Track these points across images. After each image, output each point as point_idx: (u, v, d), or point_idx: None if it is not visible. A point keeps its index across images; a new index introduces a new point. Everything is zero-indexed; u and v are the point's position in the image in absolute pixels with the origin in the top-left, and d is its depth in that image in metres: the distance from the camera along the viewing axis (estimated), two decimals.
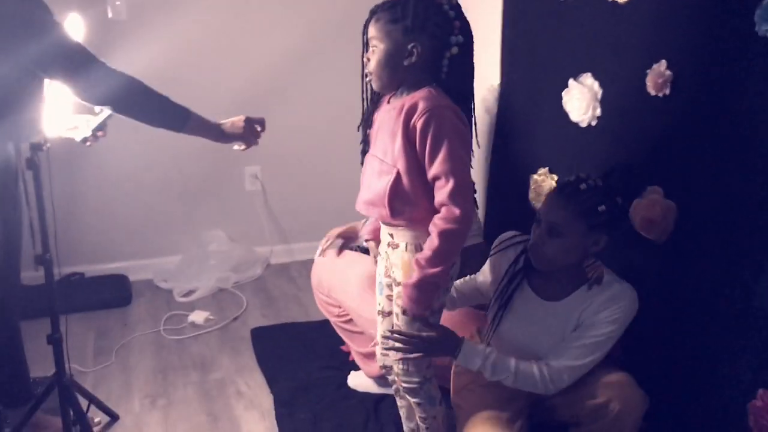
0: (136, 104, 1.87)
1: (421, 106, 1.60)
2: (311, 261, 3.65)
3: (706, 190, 1.79)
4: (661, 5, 1.86)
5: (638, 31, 1.94)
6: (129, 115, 1.88)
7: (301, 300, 3.25)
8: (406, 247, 1.76)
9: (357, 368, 2.58)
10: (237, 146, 2.10)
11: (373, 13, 1.65)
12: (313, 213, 3.66)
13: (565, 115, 2.24)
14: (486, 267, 2.02)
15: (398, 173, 1.67)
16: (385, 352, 1.89)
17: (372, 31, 1.64)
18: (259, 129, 2.09)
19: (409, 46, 1.60)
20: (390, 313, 1.85)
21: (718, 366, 1.77)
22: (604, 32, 2.07)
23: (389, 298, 1.85)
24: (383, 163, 1.70)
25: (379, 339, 1.92)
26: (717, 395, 1.78)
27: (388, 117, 1.70)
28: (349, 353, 2.72)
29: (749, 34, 1.59)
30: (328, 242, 2.54)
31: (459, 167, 1.61)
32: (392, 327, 1.82)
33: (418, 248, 1.70)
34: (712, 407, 1.80)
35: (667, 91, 1.85)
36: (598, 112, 2.13)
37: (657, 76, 1.85)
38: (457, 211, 1.60)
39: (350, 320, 2.44)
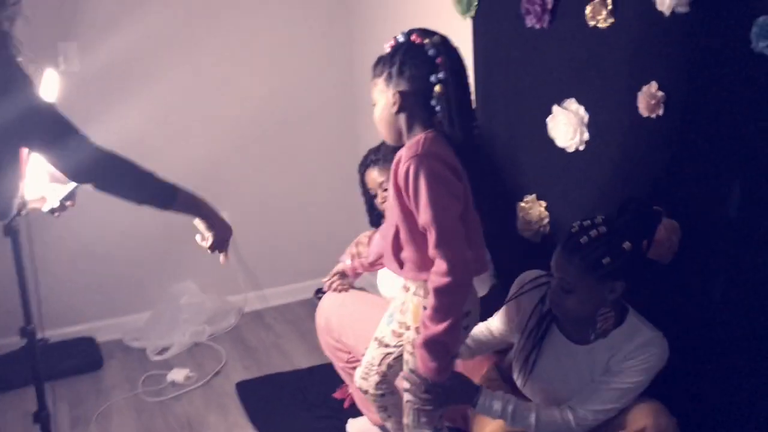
0: (118, 181, 1.72)
1: (403, 156, 1.60)
2: (286, 306, 3.58)
3: (707, 208, 1.80)
4: (644, 28, 1.87)
5: (622, 54, 1.95)
6: (111, 193, 1.72)
7: (282, 347, 3.14)
8: (415, 290, 1.74)
9: (353, 415, 2.50)
10: (203, 241, 1.92)
11: (372, 71, 1.68)
12: (284, 256, 3.58)
13: (551, 140, 2.24)
14: (504, 311, 1.97)
15: (397, 226, 1.67)
16: (365, 375, 1.89)
17: (372, 89, 1.68)
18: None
19: (391, 95, 1.62)
20: (387, 345, 1.84)
21: (743, 383, 1.77)
22: (586, 58, 2.07)
23: (395, 334, 1.82)
24: (390, 218, 1.73)
25: (364, 362, 1.89)
26: (745, 414, 1.78)
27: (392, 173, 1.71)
28: (343, 399, 2.63)
29: (745, 51, 1.61)
30: (332, 280, 2.43)
31: (440, 215, 1.57)
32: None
33: (427, 292, 1.66)
34: (740, 425, 1.79)
35: (661, 112, 1.86)
36: (586, 136, 2.13)
37: (649, 98, 1.86)
38: (443, 264, 1.56)
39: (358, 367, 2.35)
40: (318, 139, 3.56)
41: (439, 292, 1.58)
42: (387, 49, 1.65)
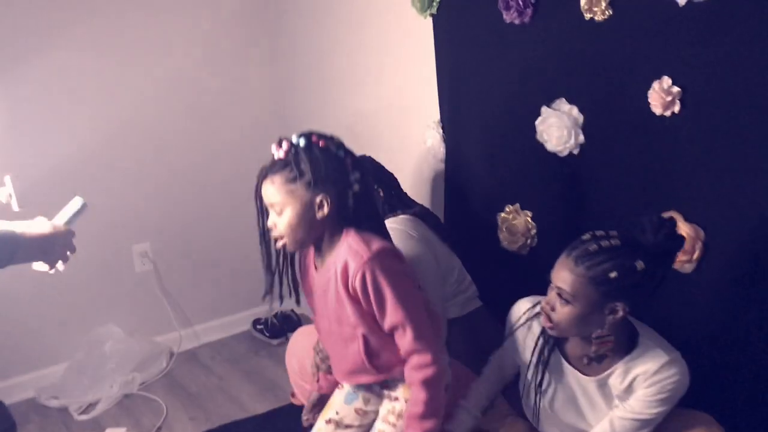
0: None
1: (351, 267, 1.56)
2: (221, 342, 3.23)
3: (731, 210, 1.69)
4: (652, 19, 1.73)
5: (624, 48, 1.80)
6: None
7: (228, 391, 2.80)
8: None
9: None
10: (40, 267, 1.67)
11: (264, 175, 1.59)
12: (214, 287, 3.24)
13: (539, 145, 2.06)
14: (509, 348, 1.79)
15: (364, 335, 1.63)
16: None
17: (270, 194, 1.59)
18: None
19: (318, 200, 1.57)
20: (348, 426, 1.78)
21: None
22: (580, 54, 1.91)
23: (359, 412, 1.79)
24: (342, 329, 1.65)
25: None
26: None
27: (324, 281, 1.64)
28: None
29: None
30: (311, 415, 2.09)
31: (412, 311, 1.58)
32: None
33: None
34: None
35: (677, 109, 1.72)
36: (581, 139, 1.97)
37: (663, 94, 1.72)
38: (427, 356, 1.58)
39: None
40: (245, 162, 3.23)
41: (428, 384, 1.60)
42: (279, 152, 1.58)
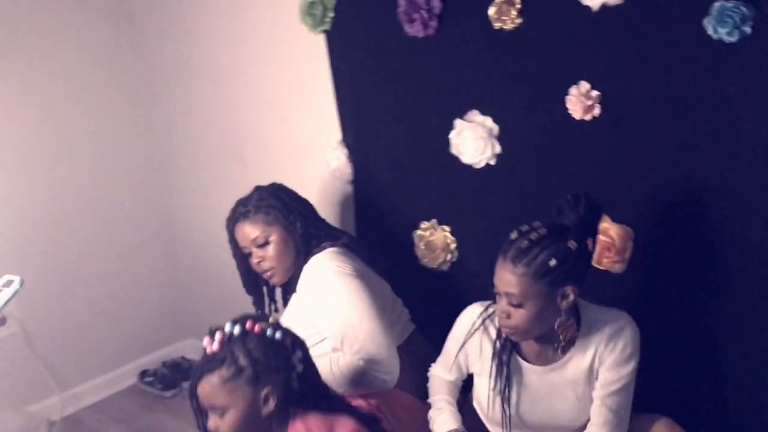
0: None
1: None
2: (107, 401, 2.91)
3: (657, 207, 1.74)
4: (564, 26, 1.75)
5: (538, 56, 1.82)
6: None
7: None
8: None
9: None
10: None
11: (199, 377, 1.42)
12: (92, 342, 2.90)
13: (453, 158, 2.03)
14: (462, 356, 1.73)
15: None
16: None
17: (208, 396, 1.42)
18: None
19: (263, 394, 1.43)
20: None
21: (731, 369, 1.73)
22: (490, 63, 1.90)
23: None
24: None
25: None
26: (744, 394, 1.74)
27: None
28: None
29: (696, 40, 1.56)
30: None
31: None
32: None
33: None
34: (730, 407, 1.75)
35: (597, 113, 1.74)
36: (498, 149, 1.95)
37: (582, 98, 1.74)
38: None
39: None
40: (121, 207, 2.96)
41: None
42: (211, 345, 1.43)
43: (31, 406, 2.70)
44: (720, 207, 1.67)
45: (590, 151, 1.80)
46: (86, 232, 2.84)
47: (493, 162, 1.97)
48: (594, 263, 1.81)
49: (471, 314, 1.73)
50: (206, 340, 1.44)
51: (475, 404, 1.77)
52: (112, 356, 2.99)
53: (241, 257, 2.03)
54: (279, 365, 1.44)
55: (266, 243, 1.93)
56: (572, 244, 1.52)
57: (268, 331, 1.45)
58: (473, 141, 1.97)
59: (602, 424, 1.58)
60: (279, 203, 1.95)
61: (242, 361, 1.41)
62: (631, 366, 1.60)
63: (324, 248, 1.91)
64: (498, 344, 1.65)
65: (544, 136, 1.87)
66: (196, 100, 2.77)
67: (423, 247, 2.18)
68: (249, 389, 1.41)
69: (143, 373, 3.00)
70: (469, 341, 1.70)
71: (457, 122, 1.99)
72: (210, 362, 1.42)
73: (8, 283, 1.45)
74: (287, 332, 1.49)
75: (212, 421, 1.44)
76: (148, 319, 3.07)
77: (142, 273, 3.06)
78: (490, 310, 1.69)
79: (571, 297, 1.54)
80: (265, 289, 2.12)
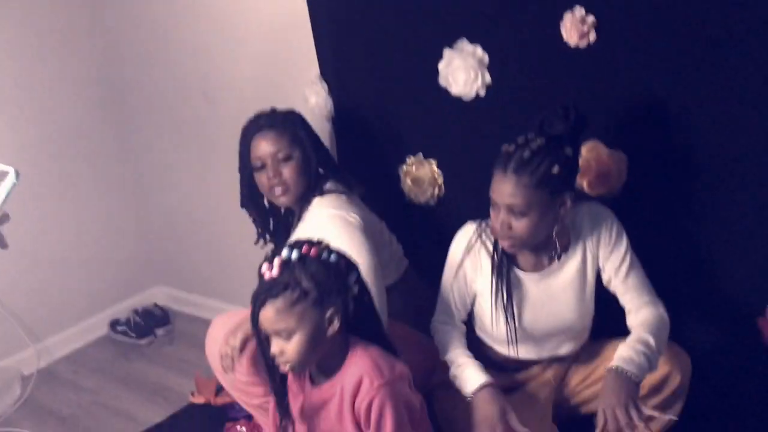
0: None
1: (362, 390, 1.45)
2: (79, 352, 2.84)
3: (653, 135, 1.75)
4: None
5: None
6: None
7: (109, 405, 2.48)
8: None
9: None
10: None
11: (262, 302, 1.43)
12: (62, 293, 2.82)
13: (441, 90, 1.99)
14: (461, 278, 1.74)
15: None
16: None
17: (274, 321, 1.43)
18: None
19: (327, 316, 1.45)
20: None
21: (722, 282, 1.79)
22: None
23: None
24: None
25: None
26: (726, 316, 1.80)
27: (323, 399, 1.52)
28: None
29: None
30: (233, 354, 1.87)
31: None
32: None
33: None
34: (724, 328, 1.81)
35: (592, 38, 1.72)
36: (488, 79, 1.92)
37: (577, 24, 1.72)
38: None
39: None
40: (86, 155, 2.82)
41: None
42: (271, 272, 1.43)
43: (2, 361, 2.62)
44: (714, 132, 1.68)
45: (584, 80, 1.78)
46: (51, 182, 2.72)
47: (482, 93, 1.94)
48: (588, 189, 1.83)
49: (467, 232, 1.73)
50: (265, 266, 1.44)
51: (478, 331, 1.78)
52: (83, 307, 2.92)
53: (249, 170, 1.94)
54: (339, 287, 1.46)
55: (288, 159, 1.86)
56: (568, 150, 1.57)
57: (324, 254, 1.46)
58: (463, 71, 1.92)
59: (640, 306, 1.65)
60: (306, 129, 1.90)
61: (305, 284, 1.42)
62: (625, 241, 1.67)
63: (335, 192, 1.87)
64: (496, 257, 1.68)
65: (537, 65, 1.84)
66: (158, 36, 2.64)
67: (409, 182, 2.15)
68: (315, 311, 1.43)
69: (114, 323, 2.93)
70: (468, 259, 1.71)
71: (446, 52, 1.94)
72: (272, 288, 1.42)
73: (2, 176, 1.31)
74: (341, 255, 1.50)
75: (276, 345, 1.45)
76: (117, 268, 2.99)
77: (109, 221, 2.96)
78: (484, 225, 1.71)
79: (569, 204, 1.59)
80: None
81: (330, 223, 1.80)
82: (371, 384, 1.44)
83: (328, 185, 1.90)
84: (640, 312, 1.66)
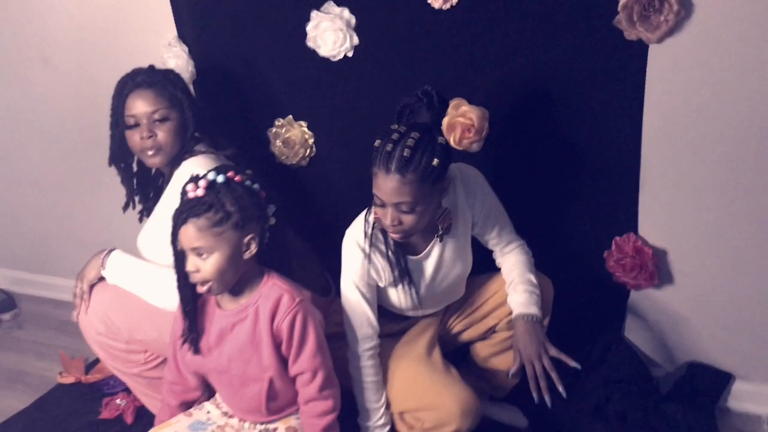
0: None
1: (281, 309, 1.55)
2: None
3: (511, 88, 1.92)
4: None
5: None
6: None
7: None
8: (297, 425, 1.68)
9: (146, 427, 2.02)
10: None
11: (185, 219, 1.48)
12: None
13: (309, 52, 2.03)
14: (370, 284, 1.76)
15: (270, 378, 1.60)
16: None
17: (194, 238, 1.48)
18: None
19: (246, 240, 1.52)
20: None
21: (573, 222, 2.01)
22: None
23: None
24: (248, 369, 1.60)
25: None
26: (576, 248, 2.03)
27: (232, 322, 1.59)
28: (117, 417, 2.10)
29: None
30: (83, 295, 1.83)
31: (325, 359, 1.61)
32: None
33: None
34: (575, 260, 2.03)
35: (454, 2, 1.84)
36: (356, 40, 1.99)
37: None
38: (330, 403, 1.61)
39: (159, 365, 1.87)
40: None
41: (329, 429, 1.61)
42: (196, 191, 1.48)
43: None
44: (564, 88, 1.88)
45: (448, 39, 1.90)
46: None
47: (350, 54, 2.01)
48: (453, 144, 1.96)
49: (358, 239, 1.73)
50: (190, 186, 1.48)
51: (385, 305, 1.85)
52: None
53: (121, 128, 1.87)
54: (259, 214, 1.53)
55: (164, 120, 1.81)
56: (441, 139, 1.61)
57: (248, 182, 1.52)
58: (332, 33, 1.98)
59: (510, 249, 1.85)
60: (185, 90, 1.85)
61: (229, 206, 1.47)
62: (492, 196, 1.82)
63: (204, 153, 1.84)
64: (390, 255, 1.73)
65: (403, 27, 1.93)
66: None
67: (280, 144, 2.18)
68: (235, 234, 1.49)
69: None
70: (371, 267, 1.73)
71: (314, 14, 1.98)
72: (196, 206, 1.46)
73: None
74: (263, 185, 1.55)
75: (192, 263, 1.49)
76: None
77: None
78: (371, 222, 1.73)
79: (448, 186, 1.67)
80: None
81: None
82: (292, 301, 1.54)
83: (198, 146, 1.88)
84: (511, 254, 1.85)
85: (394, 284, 1.77)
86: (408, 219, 1.61)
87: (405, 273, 1.75)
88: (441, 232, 1.75)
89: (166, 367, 1.75)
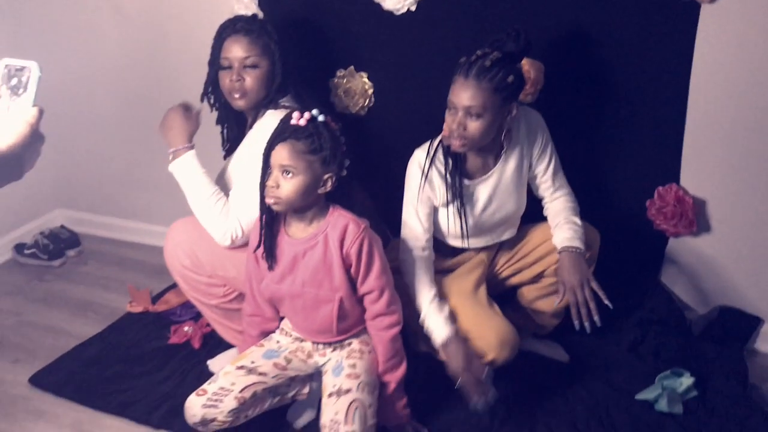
0: None
1: (349, 235, 1.70)
2: None
3: (568, 44, 2.04)
4: None
5: None
6: None
7: (37, 323, 2.47)
8: (359, 345, 1.83)
9: (209, 355, 2.20)
10: None
11: (285, 138, 1.63)
12: None
13: (373, 4, 2.15)
14: (425, 199, 1.91)
15: (341, 299, 1.75)
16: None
17: (286, 156, 1.63)
18: None
19: (325, 177, 1.67)
20: (349, 391, 1.72)
21: (619, 173, 2.15)
22: None
23: (352, 376, 1.75)
24: (320, 291, 1.75)
25: (327, 421, 1.69)
26: (620, 197, 2.17)
27: (303, 248, 1.73)
28: (185, 343, 2.27)
29: None
30: None
31: (389, 278, 1.77)
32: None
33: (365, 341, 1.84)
34: (618, 207, 2.17)
35: None
36: None
37: None
38: (395, 317, 1.77)
39: (236, 298, 2.02)
40: None
41: (395, 339, 1.78)
42: (300, 120, 1.64)
43: None
44: (616, 42, 2.00)
45: (511, 1, 2.03)
46: None
47: (413, 8, 2.13)
48: None
49: (421, 157, 1.90)
50: (296, 114, 1.64)
51: (436, 233, 1.99)
52: None
53: (216, 68, 1.99)
54: (340, 161, 1.69)
55: (254, 67, 1.94)
56: (519, 66, 1.81)
57: (337, 131, 1.69)
58: None
59: (558, 195, 1.97)
60: (279, 43, 1.97)
61: (324, 142, 1.64)
62: (551, 143, 1.96)
63: (289, 107, 1.94)
64: (448, 175, 1.88)
65: None
66: None
67: (341, 94, 2.32)
68: (320, 167, 1.65)
69: (20, 247, 2.86)
70: (427, 183, 1.88)
71: None
72: (298, 131, 1.63)
73: (20, 71, 1.15)
74: (344, 137, 1.71)
75: (275, 178, 1.64)
76: (16, 192, 2.87)
77: None
78: (431, 150, 1.89)
79: (514, 112, 1.82)
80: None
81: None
82: (358, 228, 1.70)
83: (284, 100, 2.00)
84: (558, 200, 1.98)
85: (446, 205, 1.90)
86: (473, 126, 1.77)
87: (458, 194, 1.89)
88: (505, 148, 1.89)
89: (245, 301, 1.90)
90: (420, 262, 1.89)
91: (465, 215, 1.91)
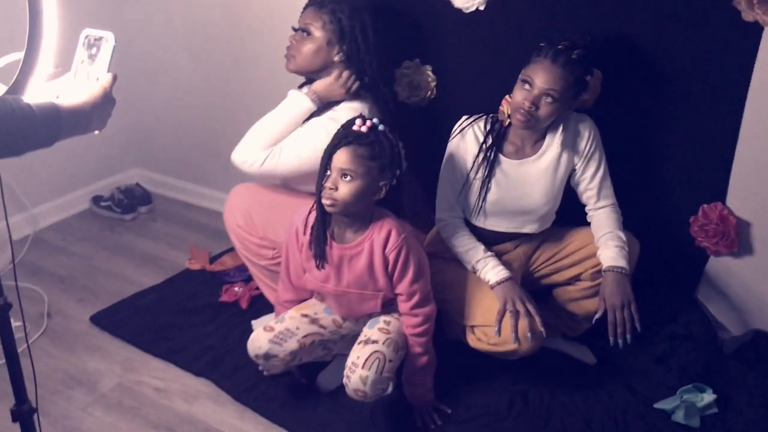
0: None
1: (391, 242, 1.78)
2: (64, 223, 3.01)
3: (624, 56, 2.08)
4: None
5: None
6: None
7: (104, 268, 2.68)
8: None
9: (254, 315, 2.34)
10: None
11: (349, 141, 1.70)
12: (48, 166, 2.91)
13: (443, 1, 2.24)
14: (460, 158, 2.02)
15: (384, 296, 1.87)
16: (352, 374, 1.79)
17: (347, 160, 1.70)
18: None
19: (381, 184, 1.75)
20: (375, 342, 1.83)
21: (666, 186, 2.18)
22: None
23: (383, 331, 1.86)
24: (365, 291, 1.86)
25: (349, 363, 1.81)
26: (664, 210, 2.20)
27: (351, 252, 1.81)
28: (234, 302, 2.42)
29: None
30: None
31: (422, 284, 1.84)
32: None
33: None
34: (661, 221, 2.20)
35: None
36: None
37: None
38: (418, 319, 1.85)
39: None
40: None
41: (419, 335, 1.86)
42: (362, 127, 1.71)
43: None
44: (675, 58, 2.02)
45: (572, 9, 2.08)
46: None
47: (482, 8, 2.21)
48: None
49: (460, 123, 2.04)
50: (359, 121, 1.72)
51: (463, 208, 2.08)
52: (65, 181, 3.04)
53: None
54: (395, 171, 1.77)
55: (307, 33, 2.03)
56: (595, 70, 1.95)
57: (395, 139, 1.76)
58: None
59: (604, 204, 2.03)
60: (357, 27, 2.04)
61: (383, 150, 1.72)
62: (601, 151, 2.01)
63: (361, 100, 2.07)
64: (486, 141, 1.99)
65: None
66: None
67: (405, 84, 2.41)
68: (377, 174, 1.74)
69: (97, 199, 3.09)
70: (462, 144, 2.01)
71: None
72: (360, 138, 1.71)
73: (98, 41, 1.25)
74: (401, 145, 1.79)
75: (333, 181, 1.71)
76: (98, 147, 3.08)
77: None
78: (474, 118, 2.03)
79: (590, 104, 1.96)
80: None
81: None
82: (398, 236, 1.78)
83: (363, 92, 2.11)
84: (603, 210, 2.03)
85: (475, 172, 1.99)
86: (545, 108, 1.87)
87: (489, 164, 1.97)
88: (546, 141, 1.99)
89: (279, 287, 2.02)
90: (458, 221, 2.04)
91: (486, 187, 1.99)
